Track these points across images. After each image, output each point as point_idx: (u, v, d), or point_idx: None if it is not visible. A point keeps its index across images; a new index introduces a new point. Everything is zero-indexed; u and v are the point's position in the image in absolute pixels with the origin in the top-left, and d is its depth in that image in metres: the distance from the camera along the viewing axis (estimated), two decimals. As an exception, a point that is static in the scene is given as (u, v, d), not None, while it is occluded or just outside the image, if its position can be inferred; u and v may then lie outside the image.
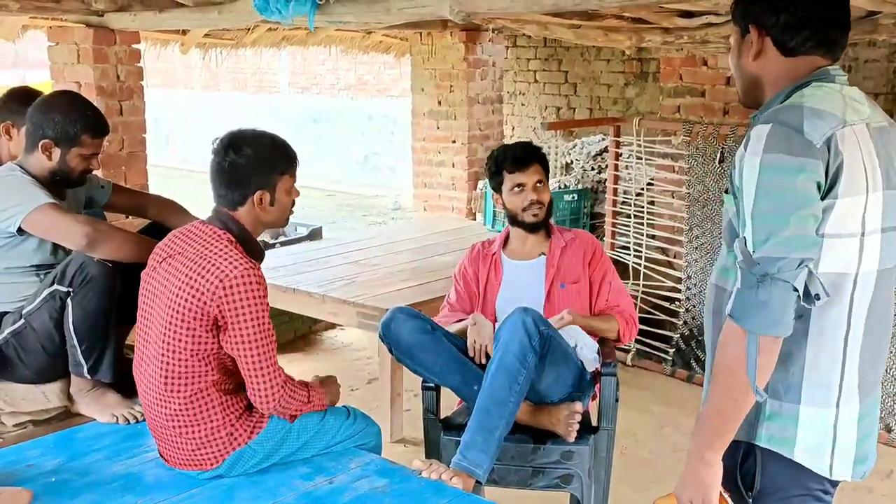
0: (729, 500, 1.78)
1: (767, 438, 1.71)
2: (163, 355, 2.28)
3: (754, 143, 1.59)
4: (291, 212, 2.45)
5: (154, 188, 4.36)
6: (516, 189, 2.96)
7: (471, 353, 2.76)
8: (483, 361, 2.71)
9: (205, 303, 2.21)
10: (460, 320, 2.97)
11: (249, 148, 2.29)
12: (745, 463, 1.76)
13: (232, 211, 2.33)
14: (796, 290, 1.56)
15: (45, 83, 4.92)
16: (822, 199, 1.58)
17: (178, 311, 2.24)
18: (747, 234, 1.59)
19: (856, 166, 1.60)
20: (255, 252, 2.36)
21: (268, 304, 2.28)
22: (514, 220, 3.00)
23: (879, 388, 1.82)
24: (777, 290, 1.56)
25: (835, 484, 1.80)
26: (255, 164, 2.28)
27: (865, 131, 1.65)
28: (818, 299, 1.58)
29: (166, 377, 2.28)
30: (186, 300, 2.22)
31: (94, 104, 2.94)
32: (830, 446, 1.71)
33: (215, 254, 2.25)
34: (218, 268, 2.22)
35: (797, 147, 1.56)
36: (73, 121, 2.73)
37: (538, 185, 2.97)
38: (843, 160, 1.58)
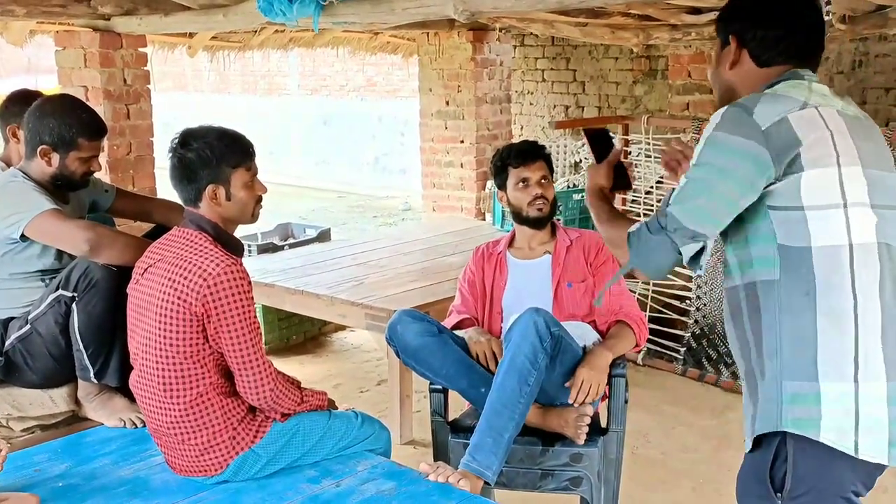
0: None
1: (794, 422, 1.70)
2: (157, 362, 2.28)
3: (712, 121, 1.77)
4: (258, 207, 2.41)
5: (164, 191, 4.36)
6: (521, 184, 2.94)
7: (482, 362, 2.76)
8: (493, 368, 2.69)
9: (190, 303, 2.20)
10: (459, 323, 2.95)
11: (197, 142, 2.28)
12: (775, 463, 1.75)
13: (195, 210, 2.33)
14: (680, 253, 1.76)
15: (55, 88, 4.93)
16: (787, 173, 1.69)
17: (166, 317, 2.24)
18: (676, 189, 1.78)
19: (820, 141, 1.71)
20: (233, 248, 2.36)
21: (253, 299, 2.29)
22: (518, 216, 2.99)
23: None
24: (663, 243, 1.77)
25: (870, 482, 1.77)
26: (202, 158, 2.28)
27: (835, 114, 1.76)
28: (701, 269, 1.80)
29: (165, 384, 2.27)
30: (174, 303, 2.22)
31: (95, 108, 2.94)
32: (853, 423, 1.68)
33: (195, 254, 2.26)
34: (200, 267, 2.22)
35: (741, 128, 1.71)
36: (68, 125, 2.72)
37: (542, 180, 2.96)
38: (800, 136, 1.69)
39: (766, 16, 1.85)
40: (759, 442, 1.79)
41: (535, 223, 2.96)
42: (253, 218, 2.42)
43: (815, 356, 1.69)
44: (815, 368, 1.69)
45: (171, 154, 2.31)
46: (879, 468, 1.76)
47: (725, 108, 1.76)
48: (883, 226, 1.74)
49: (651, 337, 4.84)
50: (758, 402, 1.79)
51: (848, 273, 1.69)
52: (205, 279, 2.20)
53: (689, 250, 1.76)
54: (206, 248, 2.27)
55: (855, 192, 1.71)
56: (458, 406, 2.92)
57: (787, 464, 1.73)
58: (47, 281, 2.76)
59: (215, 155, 2.28)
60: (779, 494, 1.75)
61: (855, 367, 1.68)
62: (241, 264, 2.28)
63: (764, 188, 1.72)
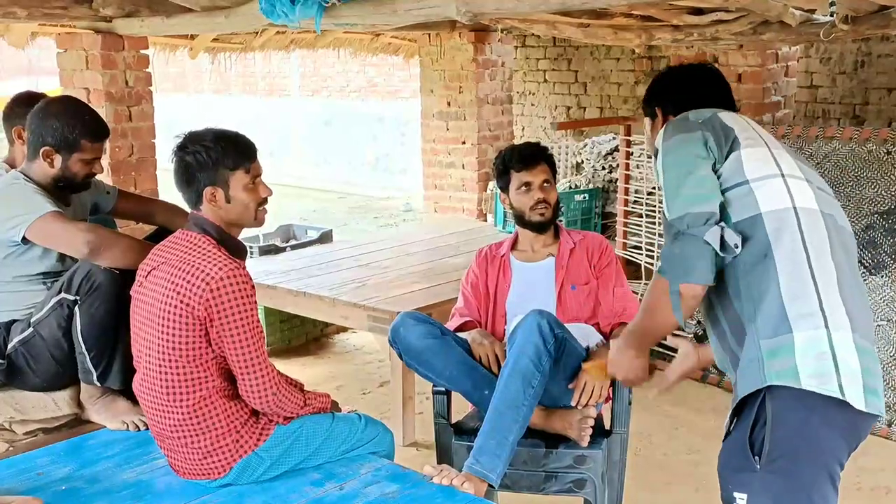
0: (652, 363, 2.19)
1: (776, 374, 1.78)
2: (160, 366, 2.27)
3: (659, 141, 2.05)
4: (261, 210, 2.39)
5: (166, 193, 4.35)
6: (523, 188, 2.94)
7: (485, 364, 2.75)
8: (496, 370, 2.69)
9: (193, 307, 2.20)
10: (462, 326, 2.94)
11: (195, 145, 2.29)
12: (755, 428, 1.81)
13: (198, 212, 2.33)
14: (707, 243, 1.84)
15: (56, 90, 4.93)
16: (728, 153, 1.94)
17: (169, 320, 2.23)
18: (664, 205, 1.95)
19: (747, 130, 2.01)
20: (237, 251, 2.36)
21: (256, 302, 2.28)
22: (520, 219, 2.98)
23: (874, 344, 1.89)
24: (689, 242, 1.86)
25: (851, 442, 1.83)
26: (199, 161, 2.28)
27: (750, 120, 2.11)
28: (737, 248, 1.85)
29: (168, 388, 2.27)
30: (176, 307, 2.22)
31: (97, 110, 2.93)
32: (833, 367, 1.76)
33: (198, 257, 2.25)
34: (203, 270, 2.22)
35: (682, 127, 2.01)
36: (71, 126, 2.72)
37: (545, 184, 2.95)
38: (730, 125, 2.00)
39: (678, 84, 2.29)
40: (739, 413, 1.87)
41: (538, 227, 2.96)
42: (256, 221, 2.40)
43: (783, 311, 1.80)
44: (787, 322, 1.79)
45: (173, 158, 2.32)
46: (859, 425, 1.82)
47: (664, 126, 2.10)
48: (822, 200, 1.94)
49: (654, 338, 4.82)
50: (740, 371, 1.87)
51: (797, 231, 1.86)
52: (207, 283, 2.20)
53: (712, 237, 1.84)
54: (209, 251, 2.27)
55: (787, 167, 1.96)
56: (461, 408, 2.92)
57: (766, 427, 1.79)
58: (49, 284, 2.76)
59: (211, 157, 2.28)
60: (756, 458, 1.80)
61: (823, 316, 1.79)
62: (244, 268, 2.28)
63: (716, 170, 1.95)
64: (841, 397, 1.74)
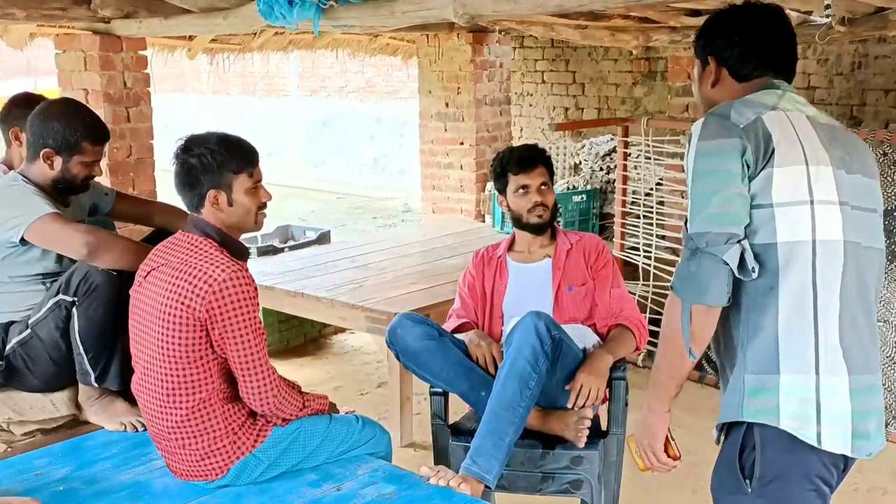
0: (675, 445, 2.00)
1: (754, 412, 1.77)
2: (160, 367, 2.28)
3: (693, 134, 1.82)
4: (261, 214, 2.40)
5: (164, 194, 4.36)
6: (521, 191, 2.95)
7: (482, 366, 2.76)
8: (493, 372, 2.70)
9: (194, 309, 2.21)
10: (459, 327, 2.95)
11: (198, 148, 2.29)
12: (744, 452, 1.80)
13: (199, 215, 2.34)
14: (726, 263, 1.72)
15: (55, 91, 4.93)
16: (762, 169, 1.74)
17: (169, 322, 2.24)
18: (688, 213, 1.80)
19: (790, 140, 1.77)
20: (238, 253, 2.36)
21: (258, 304, 2.29)
22: (518, 221, 2.99)
23: (880, 373, 1.85)
24: (706, 261, 1.73)
25: (838, 469, 1.81)
26: (203, 164, 2.28)
27: (803, 119, 1.82)
28: (754, 272, 1.74)
29: (168, 389, 2.28)
30: (177, 308, 2.22)
31: (95, 111, 2.94)
32: (815, 414, 1.73)
33: (200, 259, 2.26)
34: (205, 272, 2.22)
35: (722, 130, 1.77)
36: (72, 129, 2.73)
37: (542, 187, 2.95)
38: (773, 135, 1.76)
39: (740, 34, 1.93)
40: (728, 433, 1.86)
41: (536, 229, 2.97)
42: (256, 225, 2.41)
43: (776, 350, 1.75)
44: (777, 362, 1.75)
45: (175, 160, 2.32)
46: (847, 462, 1.81)
47: (703, 118, 1.83)
48: (851, 225, 1.78)
49: (651, 339, 4.83)
50: (724, 397, 1.86)
51: (810, 269, 1.74)
52: (210, 285, 2.20)
53: (732, 256, 1.72)
54: (211, 253, 2.27)
55: (823, 191, 1.76)
56: (458, 409, 2.92)
57: (756, 451, 1.78)
58: (48, 284, 2.76)
59: (216, 160, 2.29)
60: (748, 482, 1.80)
61: (815, 360, 1.74)
62: (246, 270, 2.29)
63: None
64: (816, 445, 1.73)
